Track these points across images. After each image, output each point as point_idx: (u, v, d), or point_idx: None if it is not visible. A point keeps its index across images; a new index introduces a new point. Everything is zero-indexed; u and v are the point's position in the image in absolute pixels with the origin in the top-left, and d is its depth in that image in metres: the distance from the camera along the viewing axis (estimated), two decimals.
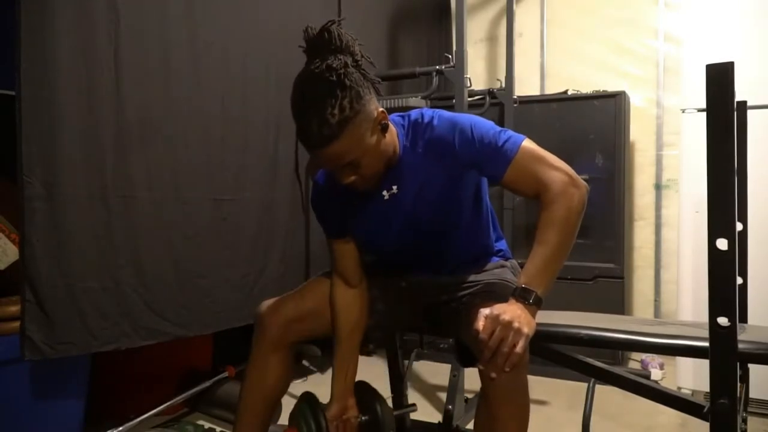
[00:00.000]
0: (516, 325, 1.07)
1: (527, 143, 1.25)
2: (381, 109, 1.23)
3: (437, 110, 1.33)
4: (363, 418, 1.45)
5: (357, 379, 1.49)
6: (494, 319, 1.08)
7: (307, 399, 1.44)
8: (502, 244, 1.55)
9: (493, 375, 1.09)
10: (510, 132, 1.27)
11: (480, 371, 1.15)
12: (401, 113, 1.36)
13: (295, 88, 1.19)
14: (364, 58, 1.23)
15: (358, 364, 1.48)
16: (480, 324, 1.09)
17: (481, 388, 1.19)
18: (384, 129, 1.24)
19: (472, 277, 1.43)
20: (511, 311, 1.10)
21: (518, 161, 1.23)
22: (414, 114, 1.34)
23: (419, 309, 1.50)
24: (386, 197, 1.33)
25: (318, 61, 1.17)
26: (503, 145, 1.23)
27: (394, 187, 1.33)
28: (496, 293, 1.29)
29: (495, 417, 1.17)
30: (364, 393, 1.50)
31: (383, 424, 1.44)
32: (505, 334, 1.07)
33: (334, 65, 1.15)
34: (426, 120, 1.30)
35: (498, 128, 1.27)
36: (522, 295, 1.14)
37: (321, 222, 1.47)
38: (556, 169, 1.22)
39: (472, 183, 1.35)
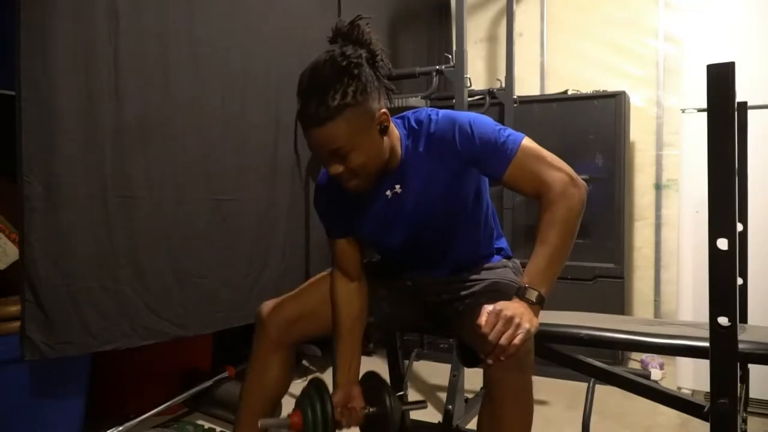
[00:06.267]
0: (517, 320, 1.09)
1: (527, 142, 1.26)
2: (384, 110, 1.23)
3: (435, 109, 1.33)
4: (370, 409, 1.38)
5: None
6: (496, 315, 1.10)
7: (315, 384, 1.39)
8: (503, 243, 1.56)
9: (490, 361, 1.10)
10: (510, 130, 1.27)
11: (485, 371, 1.16)
12: (400, 114, 1.37)
13: (307, 67, 1.21)
14: (384, 62, 1.24)
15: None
16: (482, 319, 1.11)
17: (486, 388, 1.19)
18: (383, 131, 1.24)
19: (475, 276, 1.44)
20: (513, 308, 1.11)
21: (519, 160, 1.23)
22: (413, 114, 1.35)
23: (424, 308, 1.51)
24: (389, 196, 1.34)
25: (337, 46, 1.19)
26: (503, 143, 1.24)
27: (397, 187, 1.33)
28: (500, 292, 1.30)
29: (499, 417, 1.18)
30: (374, 384, 1.44)
31: (390, 416, 1.36)
32: (506, 329, 1.08)
33: (349, 53, 1.17)
34: (425, 119, 1.31)
35: (498, 126, 1.28)
36: (525, 295, 1.16)
37: (323, 222, 1.47)
38: (557, 169, 1.23)
39: (474, 181, 1.35)
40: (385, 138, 1.25)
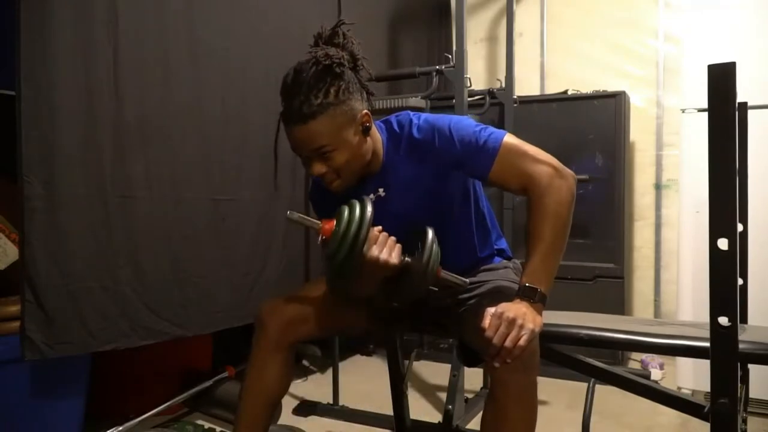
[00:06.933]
0: (520, 321, 1.09)
1: (509, 138, 1.26)
2: (366, 111, 1.25)
3: (418, 113, 1.34)
4: (406, 257, 1.20)
5: (358, 377, 1.48)
6: (499, 317, 1.10)
7: (361, 201, 1.20)
8: (503, 243, 1.55)
9: (496, 364, 1.10)
10: (490, 128, 1.28)
11: (489, 372, 1.16)
12: (384, 119, 1.38)
13: (291, 68, 1.23)
14: (364, 67, 1.27)
15: (359, 364, 1.47)
16: (486, 322, 1.11)
17: (490, 389, 1.20)
18: (366, 131, 1.25)
19: (476, 278, 1.43)
20: (515, 309, 1.12)
21: (502, 157, 1.24)
22: (396, 117, 1.36)
23: (425, 311, 1.51)
24: (373, 200, 1.33)
25: (319, 48, 1.21)
26: (485, 143, 1.25)
27: (380, 190, 1.34)
28: (503, 293, 1.30)
29: (503, 418, 1.18)
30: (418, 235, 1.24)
31: (423, 273, 1.18)
32: (509, 331, 1.09)
33: (332, 53, 1.19)
34: (407, 123, 1.32)
35: (478, 126, 1.28)
36: (526, 294, 1.16)
37: (317, 215, 1.48)
38: (541, 162, 1.23)
39: (459, 181, 1.36)
40: (368, 139, 1.27)
